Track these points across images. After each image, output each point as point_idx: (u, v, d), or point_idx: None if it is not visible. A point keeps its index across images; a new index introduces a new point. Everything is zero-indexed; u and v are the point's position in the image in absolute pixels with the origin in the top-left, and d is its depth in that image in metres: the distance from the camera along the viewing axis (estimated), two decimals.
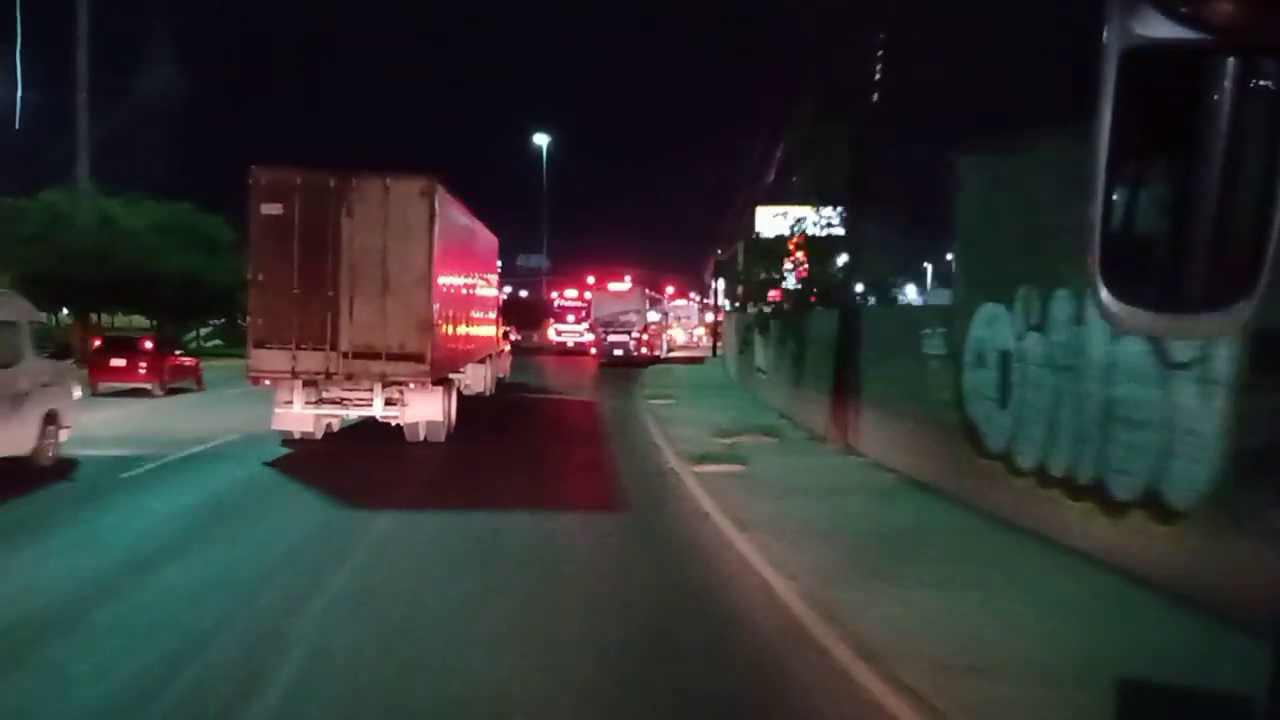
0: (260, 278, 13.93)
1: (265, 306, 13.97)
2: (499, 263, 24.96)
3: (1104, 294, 1.17)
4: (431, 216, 13.93)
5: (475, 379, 22.15)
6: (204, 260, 31.17)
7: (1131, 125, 1.13)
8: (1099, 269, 1.17)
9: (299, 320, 13.82)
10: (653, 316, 45.38)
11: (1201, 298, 1.13)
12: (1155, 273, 1.16)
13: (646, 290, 43.40)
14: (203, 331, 42.63)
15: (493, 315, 23.30)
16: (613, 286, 43.06)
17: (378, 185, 13.94)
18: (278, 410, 14.26)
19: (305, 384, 14.08)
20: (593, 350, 40.56)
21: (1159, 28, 1.06)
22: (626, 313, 39.97)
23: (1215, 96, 1.09)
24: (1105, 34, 1.11)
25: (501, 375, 25.78)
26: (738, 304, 41.31)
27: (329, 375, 13.95)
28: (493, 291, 23.31)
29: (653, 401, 21.88)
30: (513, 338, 60.74)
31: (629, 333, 39.17)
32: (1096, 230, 1.17)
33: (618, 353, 38.40)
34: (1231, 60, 1.08)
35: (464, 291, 17.69)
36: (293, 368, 13.87)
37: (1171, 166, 1.14)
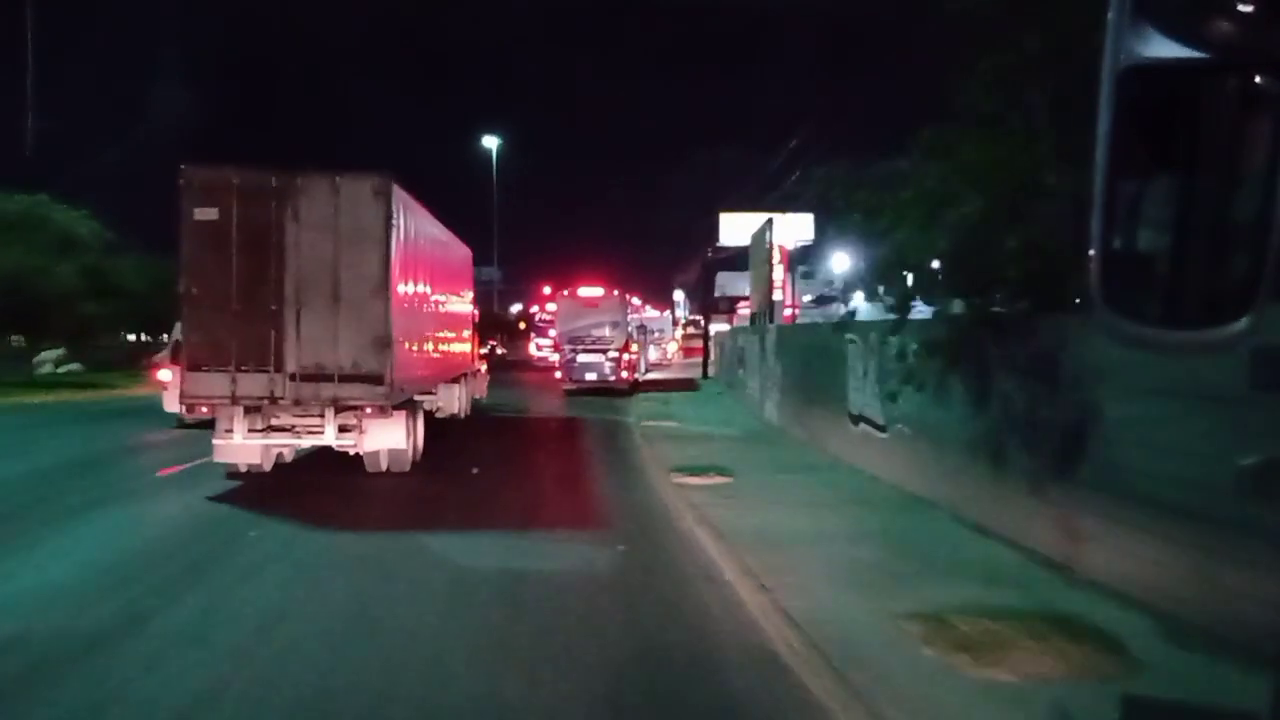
0: (194, 291, 12.26)
1: (200, 324, 12.30)
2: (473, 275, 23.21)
3: (1104, 309, 1.16)
4: (388, 219, 12.33)
5: (448, 401, 20.50)
6: (45, 260, 25.67)
7: (1131, 142, 1.13)
8: (1100, 284, 1.16)
9: (238, 339, 12.18)
10: (631, 330, 34.61)
11: (1202, 313, 1.12)
12: (1156, 288, 1.16)
13: (628, 297, 33.01)
14: (52, 354, 33.48)
15: (466, 332, 21.66)
16: (584, 292, 31.94)
17: (326, 185, 12.33)
18: (216, 441, 12.59)
19: (247, 411, 12.43)
20: (557, 373, 31.41)
21: (1158, 46, 1.07)
22: (601, 325, 30.13)
23: (1214, 114, 1.08)
24: (1105, 52, 1.10)
25: (478, 396, 24.11)
26: (755, 314, 36.79)
27: (274, 400, 12.28)
28: (466, 306, 21.69)
29: (689, 481, 12.12)
30: (499, 351, 57.41)
31: (605, 351, 29.83)
32: (1097, 246, 1.16)
33: (590, 376, 29.63)
34: (1230, 78, 1.08)
35: (431, 304, 16.08)
36: (232, 393, 12.21)
37: (1171, 183, 1.14)
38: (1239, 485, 4.89)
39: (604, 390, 28.84)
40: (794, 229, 49.07)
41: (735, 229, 46.77)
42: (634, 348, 32.44)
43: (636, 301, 45.94)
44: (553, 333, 31.94)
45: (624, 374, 29.93)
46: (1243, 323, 1.10)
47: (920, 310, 9.79)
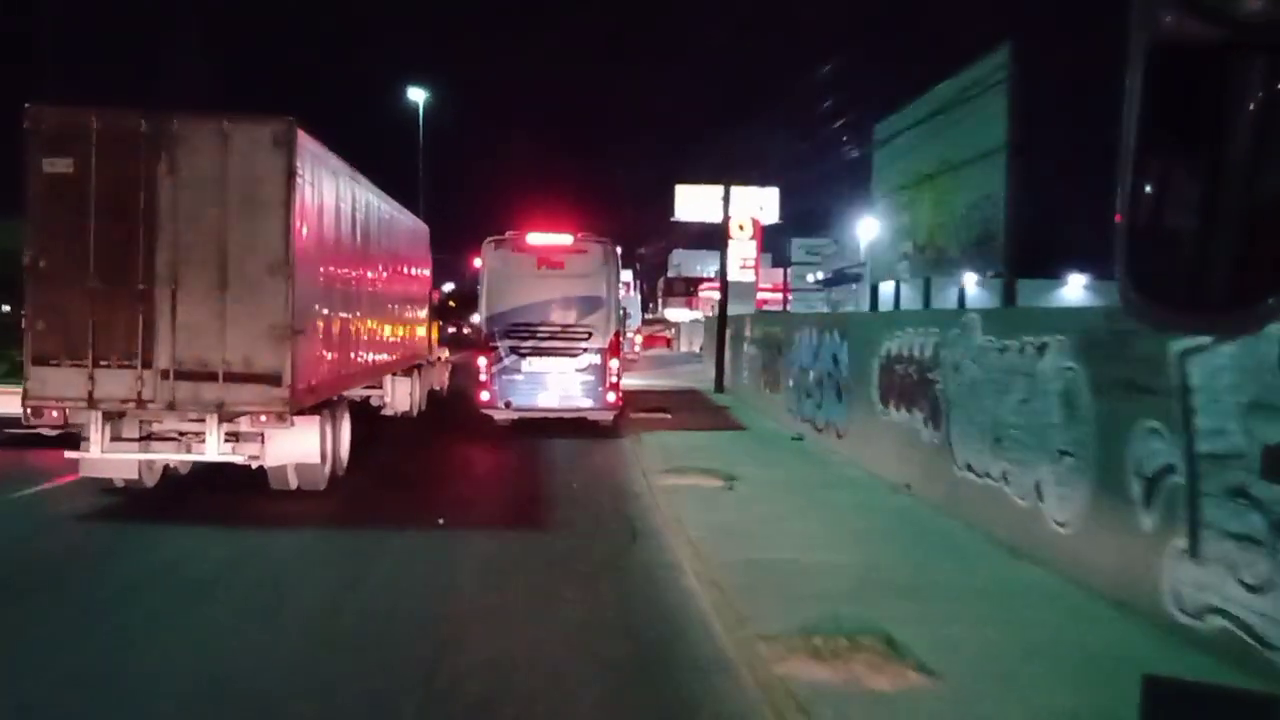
0: (41, 264, 9.63)
1: (49, 305, 9.67)
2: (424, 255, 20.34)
3: (1130, 290, 1.16)
4: (291, 175, 9.71)
5: (399, 397, 17.89)
6: None
7: (1159, 121, 1.12)
8: (1125, 264, 1.15)
9: (98, 326, 9.59)
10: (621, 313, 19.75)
11: (1228, 295, 1.11)
12: (1181, 269, 1.14)
13: (617, 252, 18.45)
14: None
15: (421, 314, 19.07)
16: (537, 240, 17.11)
17: (211, 130, 9.71)
18: (70, 454, 9.99)
19: (110, 416, 9.83)
20: (483, 394, 16.60)
21: (1186, 24, 1.05)
22: (569, 303, 16.69)
23: (1243, 93, 1.07)
24: (1132, 30, 1.09)
25: (437, 388, 21.49)
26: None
27: (141, 404, 9.68)
28: (420, 287, 19.05)
29: None
30: (466, 331, 52.29)
31: (575, 353, 16.44)
32: (1124, 227, 1.15)
33: (546, 400, 16.41)
34: (1261, 57, 1.06)
35: (363, 284, 13.43)
36: (89, 394, 9.61)
37: (1199, 163, 1.12)
38: (1266, 465, 5.04)
39: (569, 426, 16.40)
40: (755, 204, 44.28)
41: (692, 203, 41.58)
42: (621, 350, 17.94)
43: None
44: (477, 317, 17.84)
45: (609, 396, 16.50)
46: (1270, 305, 1.08)
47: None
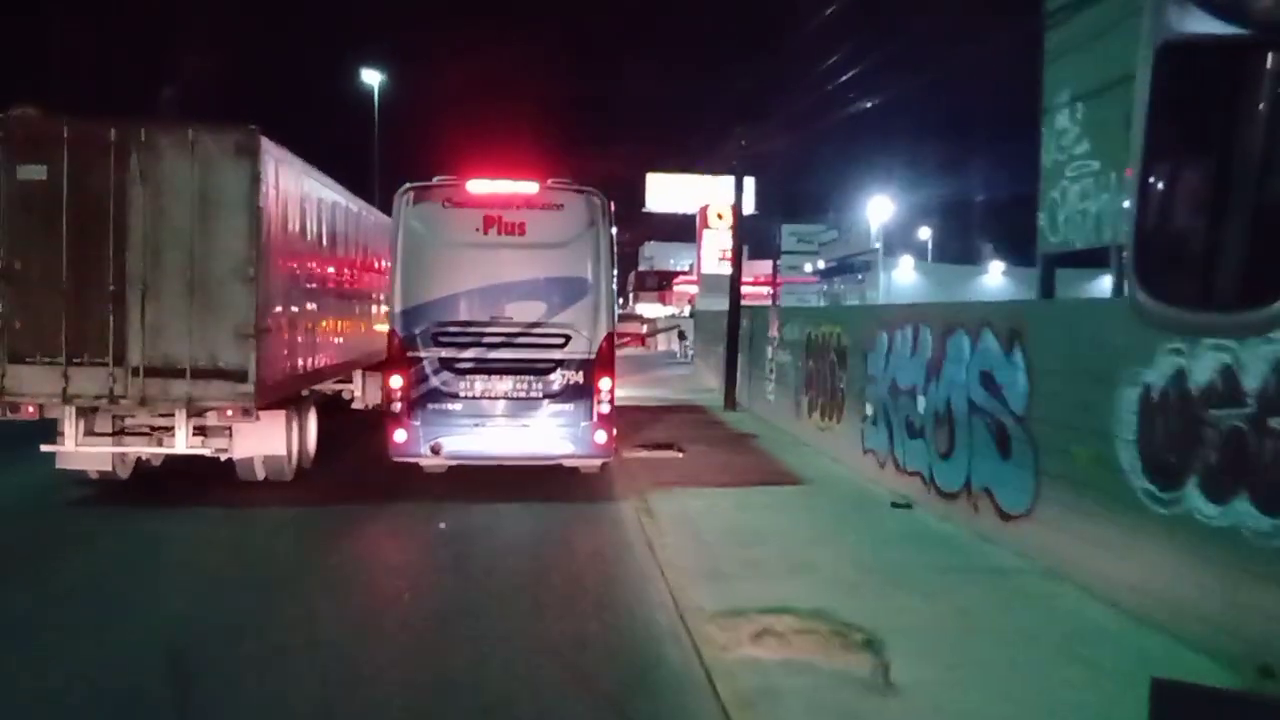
0: (16, 266, 10.13)
1: (24, 305, 10.17)
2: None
3: (1139, 290, 1.14)
4: (255, 181, 10.23)
5: (370, 391, 18.40)
6: None
7: (1169, 120, 1.11)
8: (1134, 264, 1.14)
9: (71, 325, 10.08)
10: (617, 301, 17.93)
11: (1237, 296, 1.09)
12: (1191, 269, 1.13)
13: (608, 206, 11.21)
14: None
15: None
16: (482, 188, 11.05)
17: (178, 139, 10.21)
18: (46, 448, 10.49)
19: (84, 412, 10.35)
20: (397, 433, 10.92)
21: (1197, 22, 1.05)
22: (535, 286, 10.93)
23: (1253, 91, 1.05)
24: (1144, 28, 1.09)
25: None
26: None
27: (114, 399, 10.20)
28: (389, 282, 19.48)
29: None
30: None
31: (545, 367, 10.91)
32: (1134, 225, 1.15)
33: (499, 447, 10.93)
34: (1271, 55, 1.05)
35: (329, 283, 13.97)
36: (63, 390, 10.11)
37: (1209, 162, 1.11)
38: None
39: (534, 475, 11.38)
40: (728, 194, 42.74)
41: (664, 193, 38.69)
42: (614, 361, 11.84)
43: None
44: (397, 309, 11.28)
45: (599, 435, 11.00)
46: (1278, 306, 1.06)
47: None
